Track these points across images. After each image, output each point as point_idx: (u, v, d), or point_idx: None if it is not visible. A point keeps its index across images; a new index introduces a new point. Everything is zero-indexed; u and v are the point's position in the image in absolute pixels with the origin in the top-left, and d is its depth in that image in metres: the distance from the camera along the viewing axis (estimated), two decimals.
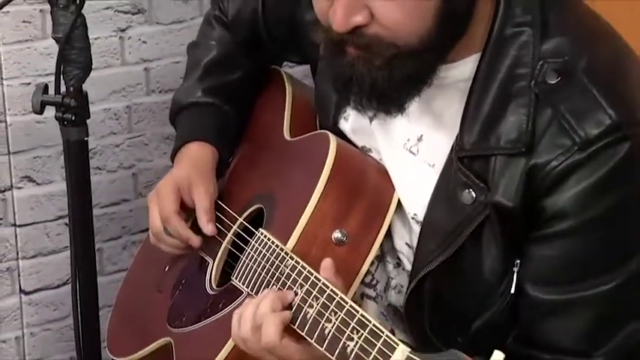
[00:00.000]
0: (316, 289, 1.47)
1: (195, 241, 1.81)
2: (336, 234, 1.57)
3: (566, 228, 1.47)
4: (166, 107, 2.58)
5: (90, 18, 1.75)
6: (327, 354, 1.41)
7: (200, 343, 1.69)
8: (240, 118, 1.99)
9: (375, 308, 1.69)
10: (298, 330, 1.47)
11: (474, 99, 1.52)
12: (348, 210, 1.60)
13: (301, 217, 1.58)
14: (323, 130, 1.73)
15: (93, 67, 1.73)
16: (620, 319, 1.50)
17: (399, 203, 1.63)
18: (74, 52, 1.57)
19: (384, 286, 1.69)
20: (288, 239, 1.58)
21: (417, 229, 1.60)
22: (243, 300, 1.63)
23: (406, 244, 1.64)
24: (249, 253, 1.65)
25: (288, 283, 1.52)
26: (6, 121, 2.46)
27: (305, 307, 1.47)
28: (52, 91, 1.60)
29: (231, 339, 1.57)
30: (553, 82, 1.48)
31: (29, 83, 2.45)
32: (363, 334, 1.37)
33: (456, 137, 1.54)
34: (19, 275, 2.55)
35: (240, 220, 1.79)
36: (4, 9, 1.67)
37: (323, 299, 1.45)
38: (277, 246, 1.59)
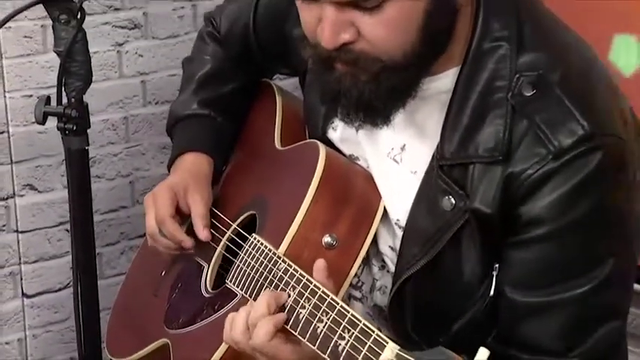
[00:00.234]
0: (308, 291, 1.47)
1: (188, 243, 1.80)
2: (327, 238, 1.57)
3: (541, 234, 1.47)
4: (163, 118, 2.60)
5: (89, 33, 1.76)
6: (320, 352, 1.41)
7: (196, 344, 1.68)
8: (233, 128, 1.98)
9: (361, 309, 1.70)
10: (291, 330, 1.47)
11: (454, 110, 1.53)
12: (338, 215, 1.60)
13: (293, 222, 1.58)
14: (313, 140, 1.73)
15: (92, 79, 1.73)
16: (594, 321, 1.51)
17: (384, 208, 1.63)
18: (75, 64, 1.58)
19: (369, 288, 1.70)
20: (281, 244, 1.58)
21: (400, 233, 1.60)
22: (238, 302, 1.63)
23: (390, 247, 1.64)
24: (243, 257, 1.65)
25: (281, 285, 1.52)
26: (8, 132, 2.46)
27: (297, 309, 1.47)
28: (53, 102, 1.61)
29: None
30: (529, 94, 1.49)
31: (31, 95, 2.46)
32: (354, 333, 1.38)
33: (437, 146, 1.54)
34: (21, 279, 2.56)
35: (234, 225, 1.78)
36: (7, 24, 1.67)
37: (315, 300, 1.45)
38: (270, 250, 1.59)
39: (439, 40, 1.50)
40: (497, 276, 1.53)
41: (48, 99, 1.63)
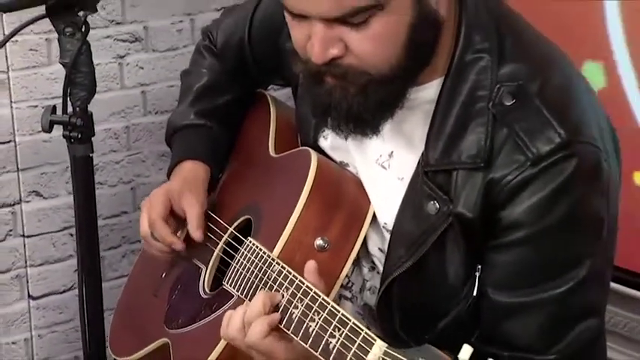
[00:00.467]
0: (300, 292, 1.47)
1: (178, 245, 1.80)
2: (319, 241, 1.57)
3: (521, 237, 1.47)
4: (162, 127, 2.60)
5: (92, 46, 1.74)
6: (312, 350, 1.42)
7: (195, 343, 1.68)
8: (229, 137, 1.98)
9: (351, 308, 1.69)
10: (284, 329, 1.47)
11: (438, 119, 1.53)
12: (329, 219, 1.60)
13: (286, 226, 1.58)
14: (305, 147, 1.73)
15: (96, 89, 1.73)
16: (571, 319, 1.51)
17: (373, 213, 1.63)
18: (80, 75, 1.58)
19: (359, 288, 1.69)
20: (275, 246, 1.58)
21: (388, 236, 1.60)
22: (234, 302, 1.62)
23: (379, 249, 1.65)
24: (239, 260, 1.65)
25: (275, 286, 1.52)
26: (15, 141, 2.47)
27: (290, 308, 1.47)
28: (59, 111, 1.62)
29: (222, 339, 1.57)
30: (509, 103, 1.49)
31: (36, 106, 2.47)
32: (344, 331, 1.38)
33: (422, 153, 1.54)
34: (27, 282, 2.56)
35: (231, 229, 1.78)
36: (13, 38, 1.68)
37: (307, 301, 1.45)
38: (265, 253, 1.58)
39: (424, 52, 1.50)
40: (479, 277, 1.53)
41: (54, 108, 1.63)
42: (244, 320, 1.49)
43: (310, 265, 1.51)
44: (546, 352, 1.50)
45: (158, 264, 1.92)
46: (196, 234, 1.79)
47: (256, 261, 1.60)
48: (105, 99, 2.52)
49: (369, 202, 1.64)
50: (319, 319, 1.42)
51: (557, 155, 1.45)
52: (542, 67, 1.53)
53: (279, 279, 1.52)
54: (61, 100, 1.64)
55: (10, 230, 2.51)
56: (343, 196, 1.63)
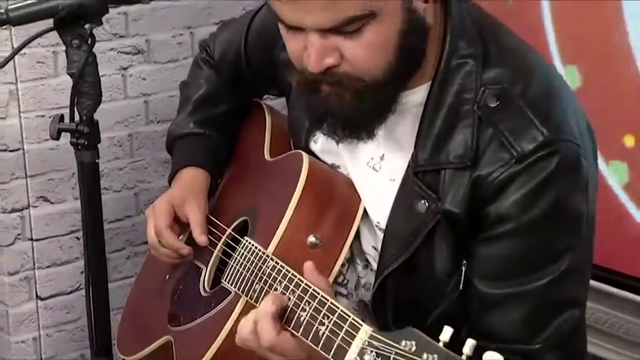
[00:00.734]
0: (293, 284, 1.48)
1: (185, 250, 1.80)
2: (311, 238, 1.58)
3: (507, 230, 1.49)
4: (164, 135, 2.58)
5: (96, 57, 1.72)
6: (302, 338, 1.42)
7: (196, 338, 1.68)
8: (227, 144, 1.98)
9: (347, 304, 1.69)
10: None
11: (427, 121, 1.54)
12: (321, 217, 1.60)
13: (280, 224, 1.59)
14: (297, 150, 1.74)
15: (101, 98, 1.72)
16: (554, 310, 1.52)
17: (365, 212, 1.63)
18: (86, 85, 1.58)
19: (354, 285, 1.69)
20: (269, 244, 1.59)
21: (380, 235, 1.61)
22: (231, 298, 1.63)
23: (373, 247, 1.65)
24: (237, 258, 1.65)
25: (269, 281, 1.53)
26: (23, 149, 2.48)
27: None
28: (67, 120, 1.62)
29: (222, 332, 1.59)
30: (493, 105, 1.51)
31: (44, 115, 2.48)
32: (332, 318, 1.39)
33: (412, 155, 1.55)
34: (35, 283, 2.56)
35: (229, 231, 1.78)
36: (22, 51, 1.69)
37: (299, 292, 1.46)
38: (260, 250, 1.59)
39: (413, 58, 1.51)
40: (465, 271, 1.54)
41: (62, 117, 1.62)
42: (254, 321, 1.47)
43: (309, 264, 1.51)
44: (531, 341, 1.51)
45: (161, 267, 1.93)
46: (201, 239, 1.80)
47: (252, 258, 1.60)
48: (109, 108, 2.52)
49: (360, 200, 1.64)
50: (310, 308, 1.43)
51: (541, 152, 1.47)
52: (524, 71, 1.54)
53: (273, 274, 1.53)
54: (67, 110, 1.64)
55: (19, 234, 2.52)
56: (334, 195, 1.64)
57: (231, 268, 1.67)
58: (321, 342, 1.39)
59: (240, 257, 1.65)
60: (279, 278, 1.52)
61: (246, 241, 1.66)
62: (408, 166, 1.57)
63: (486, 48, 1.55)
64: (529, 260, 1.50)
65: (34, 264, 2.56)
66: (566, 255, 1.51)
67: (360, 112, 1.50)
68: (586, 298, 1.59)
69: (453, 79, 1.53)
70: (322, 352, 1.38)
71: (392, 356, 1.26)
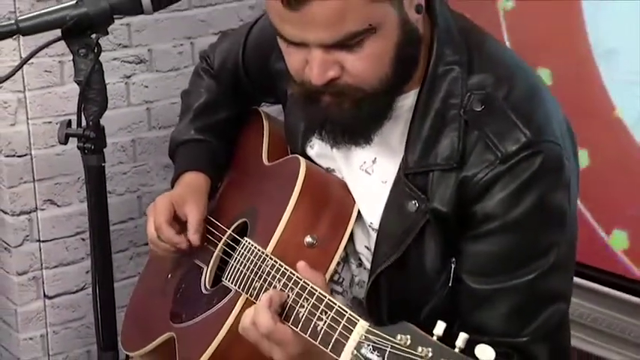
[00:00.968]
0: (292, 282, 1.49)
1: (183, 245, 1.79)
2: (308, 238, 1.59)
3: (494, 228, 1.50)
4: (165, 140, 2.58)
5: None
6: (302, 333, 1.42)
7: (198, 334, 1.68)
8: (227, 150, 1.98)
9: (342, 301, 1.64)
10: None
11: (416, 125, 1.55)
12: (317, 219, 1.61)
13: (278, 225, 1.60)
14: (295, 155, 1.74)
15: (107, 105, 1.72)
16: (541, 304, 1.53)
17: (359, 213, 1.64)
18: (93, 92, 1.59)
19: (349, 283, 1.70)
20: (268, 244, 1.59)
21: (374, 235, 1.62)
22: (232, 296, 1.63)
23: (365, 247, 1.66)
24: (237, 258, 1.66)
25: (269, 279, 1.54)
26: (31, 154, 2.48)
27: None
28: (74, 125, 1.62)
29: (223, 328, 1.58)
30: (478, 109, 1.52)
31: (50, 122, 2.48)
32: (330, 314, 1.39)
33: (402, 158, 1.56)
34: (43, 283, 2.57)
35: (229, 232, 1.78)
36: (29, 61, 1.69)
37: (297, 289, 1.47)
38: (259, 250, 1.60)
39: (408, 67, 1.52)
40: (454, 269, 1.55)
41: (69, 122, 1.62)
42: (254, 311, 1.48)
43: (301, 263, 1.51)
44: (519, 334, 1.52)
45: (164, 267, 1.93)
46: (194, 237, 1.79)
47: (252, 257, 1.61)
48: (113, 115, 2.51)
49: (354, 202, 1.65)
50: (308, 304, 1.43)
51: (524, 153, 1.48)
52: (506, 76, 1.55)
53: (272, 272, 1.54)
54: (73, 116, 1.64)
55: (27, 236, 2.52)
56: (330, 198, 1.65)
57: (231, 267, 1.67)
58: (320, 336, 1.39)
59: (241, 257, 1.65)
60: (278, 276, 1.52)
61: (246, 241, 1.66)
62: (399, 168, 1.57)
63: (471, 55, 1.55)
64: (516, 256, 1.51)
65: (42, 264, 2.56)
66: (551, 251, 1.52)
67: (359, 120, 1.51)
68: (571, 293, 1.60)
69: (440, 86, 1.54)
70: (321, 346, 1.39)
71: (388, 350, 1.27)
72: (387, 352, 1.27)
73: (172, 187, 1.93)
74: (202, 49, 2.11)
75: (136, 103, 2.64)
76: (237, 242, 1.72)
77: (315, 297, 1.43)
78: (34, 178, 2.51)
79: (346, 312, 1.37)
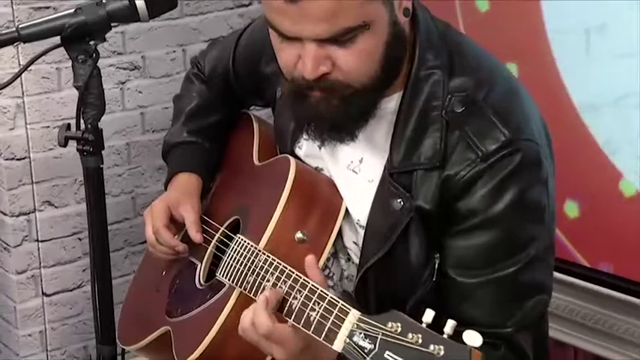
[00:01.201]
0: (284, 275, 1.49)
1: (181, 247, 1.79)
2: (298, 234, 1.59)
3: (476, 223, 1.51)
4: (159, 144, 2.57)
5: None
6: (295, 323, 1.42)
7: (193, 328, 1.68)
8: (218, 151, 1.98)
9: (333, 294, 1.65)
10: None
11: (400, 127, 1.55)
12: (307, 216, 1.61)
13: (270, 222, 1.60)
14: (285, 155, 1.74)
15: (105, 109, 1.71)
16: (523, 295, 1.54)
17: (347, 211, 1.64)
18: (91, 96, 1.58)
19: (338, 277, 1.70)
20: (260, 240, 1.59)
21: (361, 231, 1.62)
22: (225, 291, 1.63)
23: (354, 242, 1.66)
24: (230, 254, 1.65)
25: (262, 273, 1.54)
26: (30, 157, 2.48)
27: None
28: (73, 128, 1.62)
29: (218, 320, 1.58)
30: (459, 110, 1.52)
31: (48, 126, 2.48)
32: (322, 305, 1.39)
33: (387, 157, 1.57)
34: (41, 281, 2.57)
35: (222, 229, 1.78)
36: (28, 67, 1.70)
37: (290, 282, 1.47)
38: (252, 246, 1.60)
39: (395, 66, 1.53)
40: (438, 264, 1.55)
41: (68, 126, 1.61)
42: (252, 312, 1.46)
43: (310, 259, 1.49)
44: (504, 324, 1.53)
45: (159, 263, 1.92)
46: (197, 237, 1.78)
47: (245, 253, 1.60)
48: (108, 120, 2.46)
49: (342, 199, 1.65)
50: (301, 296, 1.43)
51: (504, 151, 1.49)
52: (485, 78, 1.56)
53: (265, 266, 1.54)
54: (70, 120, 1.63)
55: (26, 236, 2.52)
56: (319, 195, 1.65)
57: (225, 263, 1.67)
58: (313, 326, 1.39)
59: (234, 253, 1.65)
60: (270, 270, 1.52)
61: (239, 237, 1.66)
62: (384, 168, 1.58)
63: (451, 59, 1.56)
64: (498, 250, 1.51)
65: (40, 263, 2.57)
66: (532, 244, 1.52)
67: (347, 116, 1.51)
68: (551, 284, 1.60)
69: (422, 88, 1.55)
70: (314, 336, 1.38)
71: (379, 337, 1.27)
72: (379, 339, 1.27)
73: (166, 187, 1.93)
74: (194, 55, 2.11)
75: (130, 108, 2.64)
76: (230, 239, 1.72)
77: (307, 289, 1.43)
78: (32, 181, 2.51)
79: (338, 302, 1.37)
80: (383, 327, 1.28)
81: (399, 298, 1.58)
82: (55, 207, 2.56)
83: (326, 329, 1.37)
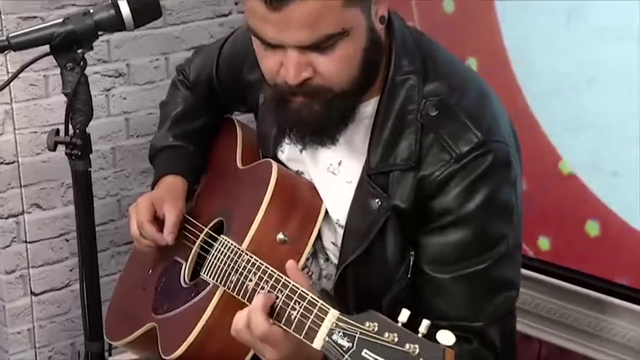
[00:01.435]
0: (266, 275, 1.49)
1: (163, 241, 1.78)
2: (280, 236, 1.59)
3: (450, 221, 1.52)
4: (143, 148, 2.61)
5: None
6: (277, 322, 1.42)
7: (178, 324, 1.68)
8: (203, 155, 1.98)
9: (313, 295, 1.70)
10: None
11: (377, 130, 1.56)
12: (288, 217, 1.61)
13: (252, 223, 1.60)
14: (267, 159, 1.74)
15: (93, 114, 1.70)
16: (494, 290, 1.55)
17: (326, 212, 1.64)
18: (79, 102, 1.58)
19: (317, 276, 1.70)
20: (243, 241, 1.59)
21: (340, 231, 1.63)
22: (209, 289, 1.63)
23: (332, 243, 1.67)
24: (214, 254, 1.65)
25: (245, 272, 1.53)
26: (18, 162, 2.47)
27: (258, 290, 1.49)
28: (61, 133, 1.62)
29: (203, 317, 1.58)
30: (434, 114, 1.53)
31: (36, 132, 2.47)
32: (303, 304, 1.39)
33: (365, 159, 1.57)
34: (29, 280, 2.55)
35: (206, 230, 1.78)
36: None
37: (272, 282, 1.47)
38: (235, 246, 1.60)
39: (373, 71, 1.54)
40: (413, 261, 1.56)
41: (57, 131, 1.60)
42: (247, 315, 1.45)
43: (291, 263, 1.50)
44: (476, 318, 1.54)
45: (145, 262, 1.92)
46: (168, 237, 1.78)
47: (229, 253, 1.60)
48: (94, 125, 2.33)
49: (322, 202, 1.66)
50: (282, 296, 1.43)
51: (476, 152, 1.51)
52: (458, 83, 1.58)
53: (248, 266, 1.54)
54: (58, 126, 1.63)
55: (15, 237, 2.51)
56: (299, 198, 1.65)
57: (209, 263, 1.67)
58: (294, 324, 1.39)
59: (218, 253, 1.64)
60: (253, 270, 1.52)
61: (223, 238, 1.66)
62: (363, 169, 1.58)
63: (425, 64, 1.57)
64: (472, 246, 1.53)
65: (29, 263, 2.55)
66: (502, 241, 1.54)
67: (328, 120, 1.51)
68: (519, 281, 1.61)
69: (398, 93, 1.56)
70: (294, 334, 1.38)
71: (357, 336, 1.28)
72: (357, 338, 1.27)
73: (152, 189, 1.92)
74: (177, 63, 2.11)
75: (115, 114, 2.63)
76: (214, 240, 1.72)
77: (288, 288, 1.43)
78: (20, 184, 2.50)
79: (318, 302, 1.38)
80: (361, 326, 1.28)
81: (376, 295, 1.59)
82: (43, 209, 2.54)
83: (306, 328, 1.37)
